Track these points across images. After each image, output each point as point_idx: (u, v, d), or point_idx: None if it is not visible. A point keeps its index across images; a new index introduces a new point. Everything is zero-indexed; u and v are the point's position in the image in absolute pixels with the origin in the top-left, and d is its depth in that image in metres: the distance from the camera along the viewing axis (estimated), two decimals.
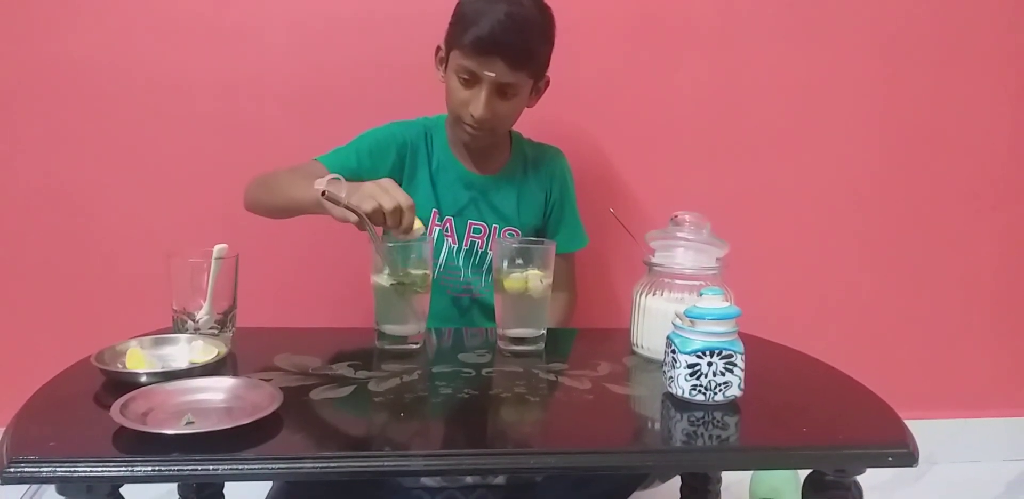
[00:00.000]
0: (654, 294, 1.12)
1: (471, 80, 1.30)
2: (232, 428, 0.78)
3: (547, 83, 1.43)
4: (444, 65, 1.37)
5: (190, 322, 1.08)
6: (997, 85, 1.85)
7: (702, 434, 0.88)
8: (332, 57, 1.68)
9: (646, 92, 1.77)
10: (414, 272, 1.12)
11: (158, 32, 1.64)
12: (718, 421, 0.90)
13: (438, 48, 1.39)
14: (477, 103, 1.30)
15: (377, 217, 1.06)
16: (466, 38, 1.27)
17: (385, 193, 1.07)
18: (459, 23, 1.30)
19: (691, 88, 1.78)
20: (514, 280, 1.12)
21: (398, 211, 1.07)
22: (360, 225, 1.07)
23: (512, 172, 1.49)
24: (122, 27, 1.63)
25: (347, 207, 1.05)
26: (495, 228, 1.47)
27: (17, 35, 1.61)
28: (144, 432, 0.77)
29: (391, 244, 1.12)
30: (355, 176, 1.34)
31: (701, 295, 0.96)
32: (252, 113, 1.69)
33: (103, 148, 1.67)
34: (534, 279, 1.12)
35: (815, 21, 1.78)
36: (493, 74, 1.28)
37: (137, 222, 1.70)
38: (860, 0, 1.78)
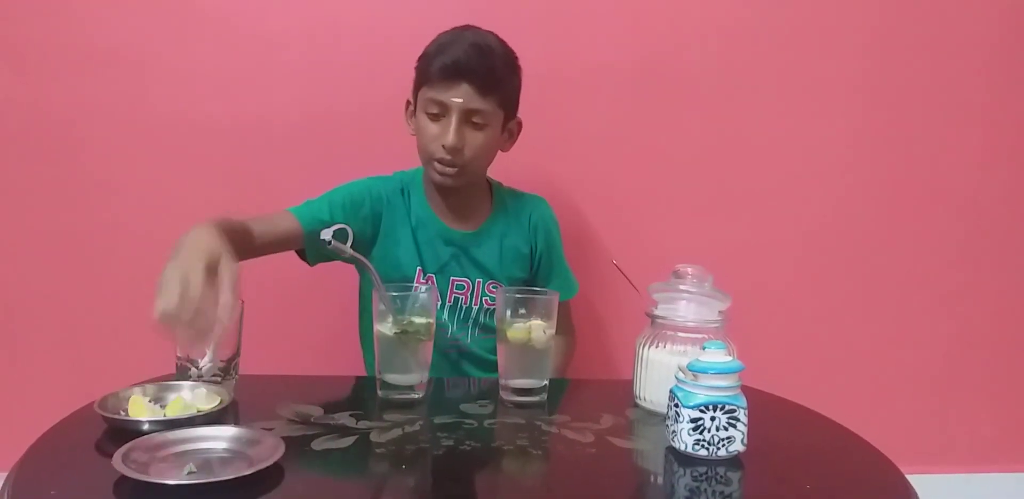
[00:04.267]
0: (657, 346, 1.12)
1: (439, 113, 1.31)
2: (234, 479, 0.77)
3: (519, 125, 1.44)
4: (414, 114, 1.38)
5: (193, 369, 1.08)
6: (998, 144, 1.88)
7: (705, 490, 0.87)
8: (336, 107, 1.71)
9: (647, 145, 1.80)
10: (417, 320, 1.13)
11: (163, 80, 1.67)
12: (721, 477, 0.90)
13: (408, 102, 1.41)
14: (447, 133, 1.29)
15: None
16: (432, 68, 1.30)
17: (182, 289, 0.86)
18: (424, 59, 1.34)
19: (692, 141, 1.81)
20: (517, 330, 1.12)
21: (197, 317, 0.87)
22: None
23: (492, 226, 1.47)
24: (129, 75, 1.66)
25: (353, 256, 1.06)
26: (479, 283, 1.45)
27: (27, 82, 1.65)
28: (145, 482, 0.76)
29: (394, 293, 1.13)
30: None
31: (704, 349, 0.96)
32: (260, 161, 1.71)
33: (110, 192, 1.69)
34: (537, 329, 1.12)
35: (813, 75, 1.82)
36: (460, 100, 1.29)
37: (142, 268, 1.70)
38: (858, 56, 1.82)
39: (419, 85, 1.35)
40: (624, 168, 1.80)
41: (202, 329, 0.87)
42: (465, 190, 1.42)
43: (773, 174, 1.84)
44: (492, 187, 1.52)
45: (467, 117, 1.31)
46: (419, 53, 1.37)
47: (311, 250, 1.34)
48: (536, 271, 1.53)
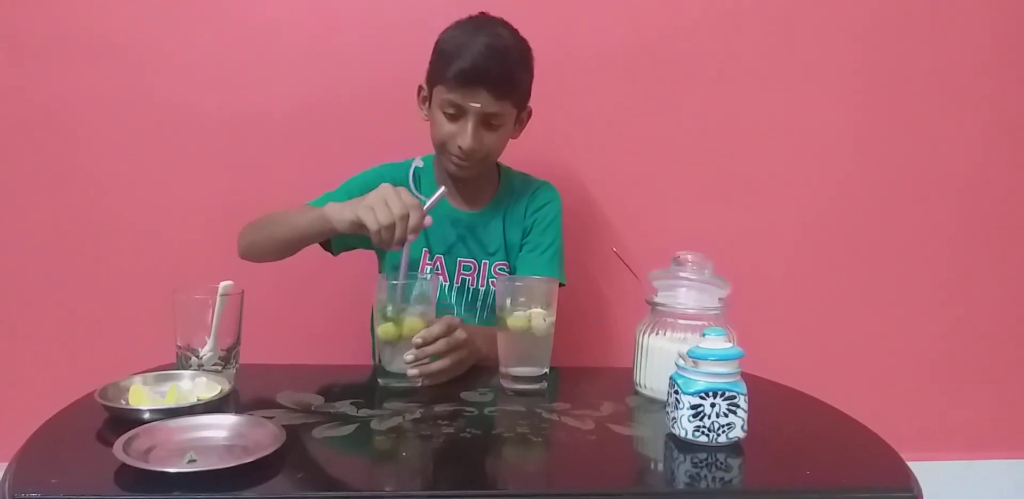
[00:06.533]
0: (657, 333, 1.12)
1: (456, 114, 1.32)
2: (234, 467, 0.77)
3: (529, 114, 1.44)
4: (427, 103, 1.38)
5: (194, 358, 1.08)
6: (998, 131, 1.87)
7: (705, 476, 0.87)
8: (336, 97, 1.71)
9: (647, 132, 1.79)
10: (415, 309, 1.13)
11: (161, 71, 1.67)
12: (721, 463, 0.90)
13: (420, 87, 1.41)
14: (464, 135, 1.31)
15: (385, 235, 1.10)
16: (449, 72, 1.29)
17: (384, 207, 1.10)
18: (440, 58, 1.33)
19: (692, 128, 1.80)
20: (517, 319, 1.12)
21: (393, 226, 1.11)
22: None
23: (497, 207, 1.49)
24: (131, 64, 1.66)
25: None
26: (484, 264, 1.47)
27: (22, 72, 1.64)
28: (146, 470, 0.77)
29: (395, 282, 1.13)
30: None
31: (704, 336, 0.96)
32: (259, 151, 1.71)
33: (111, 183, 1.69)
34: (537, 318, 1.12)
35: (814, 62, 1.81)
36: (478, 105, 1.29)
37: (142, 258, 1.71)
38: (859, 43, 1.81)
39: (435, 81, 1.34)
40: (624, 156, 1.80)
41: (413, 227, 1.11)
42: (476, 176, 1.44)
43: (773, 161, 1.83)
44: (501, 170, 1.53)
45: (484, 120, 1.32)
46: (421, 41, 1.36)
47: (336, 239, 1.36)
48: (522, 248, 1.51)
